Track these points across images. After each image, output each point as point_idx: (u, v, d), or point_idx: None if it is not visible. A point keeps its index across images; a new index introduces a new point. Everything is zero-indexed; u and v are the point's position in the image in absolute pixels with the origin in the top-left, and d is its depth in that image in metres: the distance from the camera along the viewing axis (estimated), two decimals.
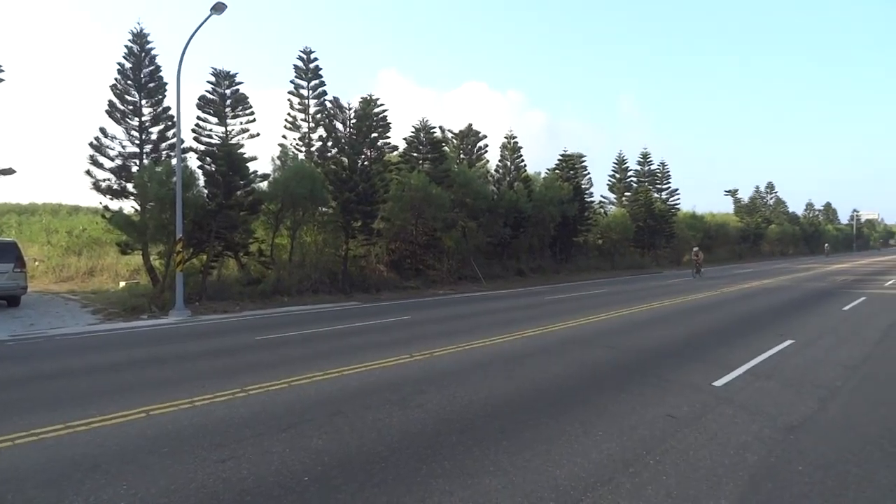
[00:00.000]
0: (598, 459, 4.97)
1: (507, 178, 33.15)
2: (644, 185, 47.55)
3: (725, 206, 77.36)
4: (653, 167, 48.61)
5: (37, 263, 25.08)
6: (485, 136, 32.51)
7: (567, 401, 6.86)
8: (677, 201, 48.81)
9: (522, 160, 34.11)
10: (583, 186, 38.62)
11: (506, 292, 23.41)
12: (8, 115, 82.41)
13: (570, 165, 38.48)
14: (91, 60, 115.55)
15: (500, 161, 34.04)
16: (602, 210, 44.99)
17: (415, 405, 6.59)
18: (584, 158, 40.17)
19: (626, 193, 47.06)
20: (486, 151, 33.06)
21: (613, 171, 47.93)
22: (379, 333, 12.47)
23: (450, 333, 11.98)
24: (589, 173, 40.49)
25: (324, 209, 23.39)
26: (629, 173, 47.99)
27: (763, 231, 65.91)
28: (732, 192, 71.08)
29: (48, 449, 5.27)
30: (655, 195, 47.80)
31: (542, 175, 38.17)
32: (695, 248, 33.97)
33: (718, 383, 7.61)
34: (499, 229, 29.83)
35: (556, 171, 38.15)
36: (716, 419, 6.10)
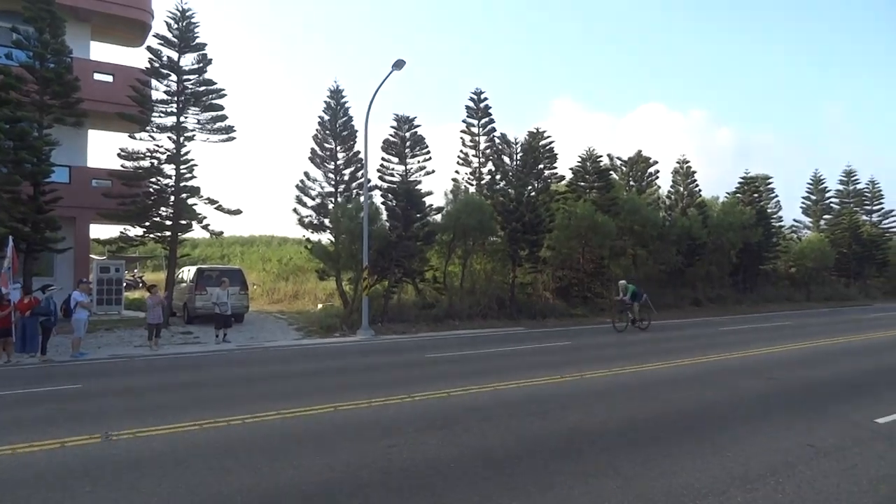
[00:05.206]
0: (718, 475, 5.30)
1: (680, 204, 32.03)
2: (848, 206, 42.66)
3: None
4: (859, 186, 43.51)
5: (255, 287, 29.72)
6: (655, 162, 31.80)
7: (707, 425, 7.09)
8: (893, 224, 42.99)
9: (696, 185, 32.80)
10: (768, 210, 35.94)
11: (676, 322, 22.72)
12: (235, 164, 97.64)
13: (754, 188, 35.96)
14: (293, 114, 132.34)
15: (672, 186, 33.07)
16: (794, 235, 41.17)
17: (555, 418, 7.31)
18: (769, 180, 37.44)
19: (826, 217, 42.49)
20: (657, 178, 32.30)
21: (808, 192, 43.62)
22: (537, 356, 13.29)
23: (604, 359, 12.37)
24: (776, 196, 37.66)
25: (492, 238, 24.78)
26: (828, 194, 43.36)
27: None
28: None
29: (270, 427, 6.90)
30: (864, 218, 42.61)
31: (721, 199, 36.18)
32: (621, 283, 19.79)
33: (882, 420, 7.25)
34: (670, 257, 28.90)
35: (737, 194, 35.91)
36: (861, 453, 5.98)
